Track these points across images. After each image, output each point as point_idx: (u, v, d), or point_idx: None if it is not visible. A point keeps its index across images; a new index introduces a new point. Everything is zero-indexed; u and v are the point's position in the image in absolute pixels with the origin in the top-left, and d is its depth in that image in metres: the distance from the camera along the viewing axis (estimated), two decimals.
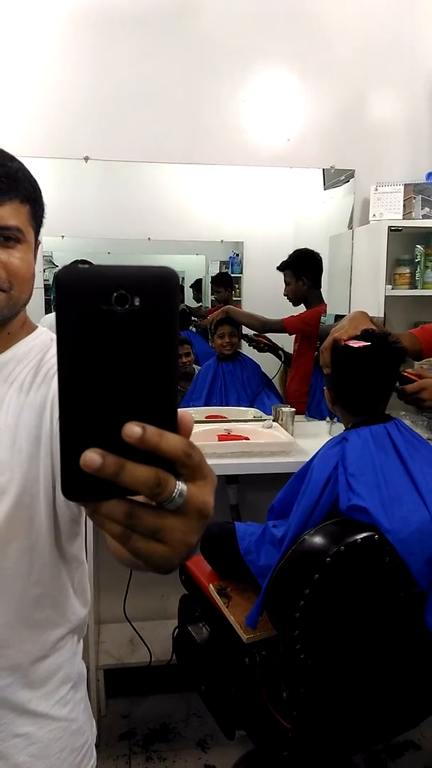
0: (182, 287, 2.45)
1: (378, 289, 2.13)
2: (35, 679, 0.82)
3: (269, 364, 2.46)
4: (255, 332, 2.41)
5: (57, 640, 0.84)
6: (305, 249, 2.39)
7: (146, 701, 2.18)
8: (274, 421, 2.24)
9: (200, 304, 2.53)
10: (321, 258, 2.40)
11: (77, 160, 2.11)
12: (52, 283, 2.21)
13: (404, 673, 1.42)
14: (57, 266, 2.28)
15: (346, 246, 2.37)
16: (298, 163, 2.27)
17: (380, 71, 2.29)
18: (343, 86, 2.27)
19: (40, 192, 0.82)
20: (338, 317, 2.22)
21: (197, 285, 2.51)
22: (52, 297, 2.24)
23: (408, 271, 2.27)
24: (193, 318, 2.52)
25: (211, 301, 2.51)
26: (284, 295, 2.40)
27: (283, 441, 2.07)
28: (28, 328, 0.87)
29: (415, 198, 2.19)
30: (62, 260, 2.29)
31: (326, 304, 2.42)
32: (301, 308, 2.41)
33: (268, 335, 2.42)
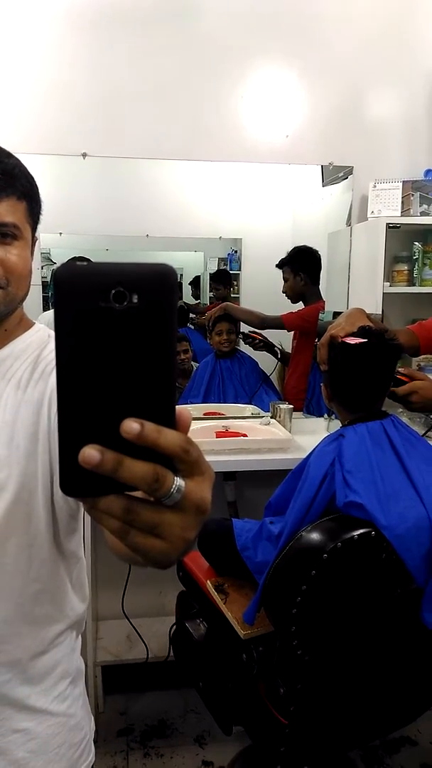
0: (180, 284, 2.44)
1: (376, 286, 2.14)
2: (34, 674, 0.83)
3: (267, 361, 2.46)
4: (251, 329, 2.41)
5: (56, 635, 0.85)
6: (304, 246, 2.39)
7: (144, 697, 2.19)
8: (272, 417, 2.24)
9: (198, 301, 2.53)
10: (319, 255, 2.40)
11: (75, 156, 2.10)
12: (50, 280, 2.20)
13: (401, 669, 1.42)
14: (55, 263, 2.28)
15: (344, 243, 2.37)
16: (297, 160, 2.27)
17: (379, 68, 2.29)
18: (342, 83, 2.27)
19: (37, 188, 0.82)
20: (336, 314, 2.22)
21: (195, 282, 2.50)
22: (50, 294, 2.23)
23: (406, 268, 2.27)
24: (191, 315, 2.52)
25: (210, 297, 2.51)
26: (282, 291, 2.40)
27: (280, 438, 2.07)
28: (25, 324, 0.87)
29: (413, 195, 2.19)
30: (60, 257, 2.29)
31: (324, 301, 2.42)
32: (300, 305, 2.41)
33: (265, 332, 2.41)
